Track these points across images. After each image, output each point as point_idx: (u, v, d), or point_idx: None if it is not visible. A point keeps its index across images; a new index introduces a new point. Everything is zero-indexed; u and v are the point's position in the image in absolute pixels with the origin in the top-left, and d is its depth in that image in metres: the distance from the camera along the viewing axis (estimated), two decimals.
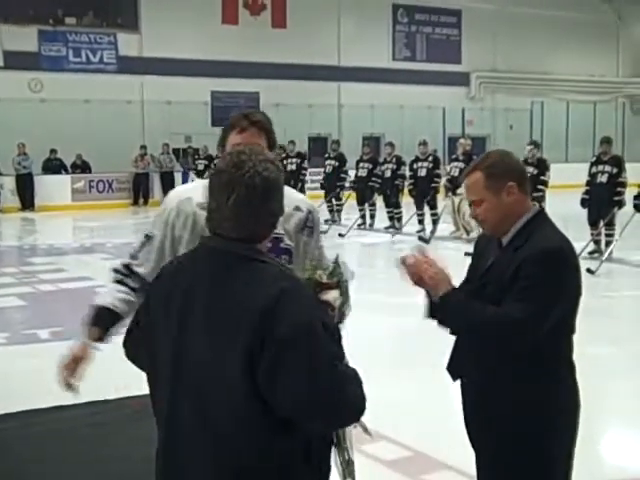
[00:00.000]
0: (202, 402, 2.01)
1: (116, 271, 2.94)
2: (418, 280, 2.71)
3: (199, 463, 2.03)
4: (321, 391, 1.95)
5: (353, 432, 2.32)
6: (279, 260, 2.53)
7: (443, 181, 15.44)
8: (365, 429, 2.38)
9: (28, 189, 22.19)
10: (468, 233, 14.45)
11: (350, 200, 18.06)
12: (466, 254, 3.09)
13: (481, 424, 2.82)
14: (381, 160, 17.37)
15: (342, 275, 2.37)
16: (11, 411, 5.38)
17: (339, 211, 18.26)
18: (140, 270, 2.89)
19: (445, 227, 15.12)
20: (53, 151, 23.28)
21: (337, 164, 17.99)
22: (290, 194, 2.75)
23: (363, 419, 2.18)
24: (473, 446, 2.91)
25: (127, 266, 2.94)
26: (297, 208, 2.86)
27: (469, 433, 2.91)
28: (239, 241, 2.06)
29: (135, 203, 23.74)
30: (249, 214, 2.05)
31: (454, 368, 2.95)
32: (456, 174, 14.64)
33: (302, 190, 18.76)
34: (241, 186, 2.03)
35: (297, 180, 17.93)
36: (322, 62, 28.34)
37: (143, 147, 24.08)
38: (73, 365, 2.73)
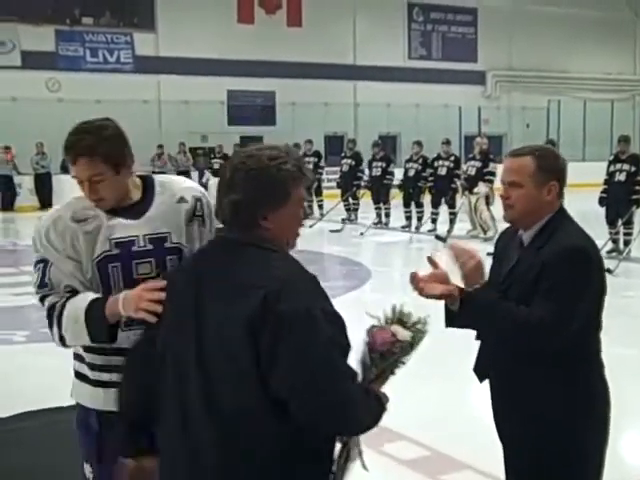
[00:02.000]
0: (208, 382, 2.05)
1: (49, 312, 2.62)
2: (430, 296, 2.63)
3: (205, 444, 2.06)
4: (315, 378, 1.98)
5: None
6: (176, 260, 2.55)
7: (460, 180, 15.39)
8: (362, 461, 2.30)
9: (46, 188, 22.29)
10: (485, 232, 14.43)
11: (366, 199, 18.05)
12: (488, 254, 3.06)
13: (512, 424, 2.82)
14: (407, 158, 17.23)
15: (421, 334, 2.29)
16: (31, 409, 5.41)
17: (355, 210, 18.27)
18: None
19: (462, 226, 15.09)
20: None
21: (353, 163, 17.97)
22: (173, 184, 2.71)
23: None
24: (504, 447, 2.90)
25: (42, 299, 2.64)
26: (181, 199, 2.68)
27: (500, 433, 2.91)
28: (241, 229, 2.14)
29: None
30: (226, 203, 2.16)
31: (481, 369, 2.94)
32: (473, 173, 14.62)
33: (319, 189, 18.83)
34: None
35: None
36: (338, 61, 28.41)
37: (160, 146, 24.16)
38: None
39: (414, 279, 2.64)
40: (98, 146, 2.49)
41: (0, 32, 24.18)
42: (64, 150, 2.51)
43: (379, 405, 2.16)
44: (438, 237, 14.36)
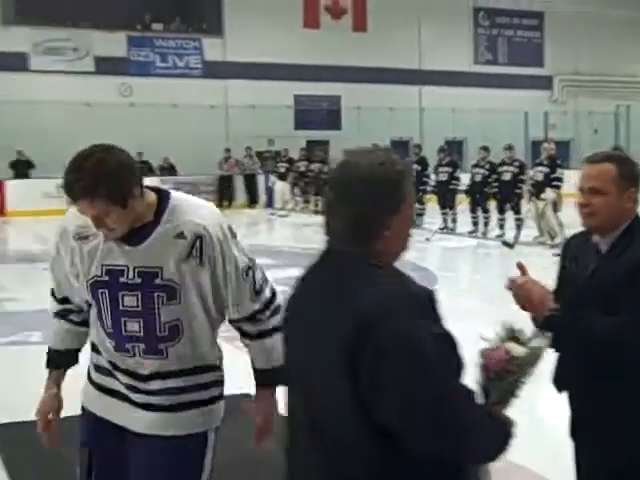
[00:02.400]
0: (311, 405, 1.98)
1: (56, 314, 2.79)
2: (527, 301, 2.61)
3: (312, 466, 1.99)
4: (429, 408, 1.82)
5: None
6: (165, 298, 2.42)
7: (527, 186, 15.35)
8: None
9: None
10: (552, 238, 14.38)
11: (431, 204, 18.11)
12: (554, 255, 3.12)
13: (593, 438, 2.77)
14: (473, 163, 17.23)
15: (537, 350, 2.14)
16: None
17: (421, 215, 18.34)
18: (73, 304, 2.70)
19: (529, 232, 15.07)
20: (140, 154, 23.92)
21: (419, 168, 18.03)
22: (182, 214, 2.43)
23: None
24: (581, 460, 2.86)
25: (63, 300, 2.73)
26: (180, 235, 2.40)
27: (578, 445, 2.87)
28: (358, 243, 1.95)
29: (219, 205, 24.18)
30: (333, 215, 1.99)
31: (560, 380, 2.90)
32: (540, 179, 14.56)
33: None
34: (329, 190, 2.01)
35: None
36: (403, 65, 28.45)
37: (227, 150, 24.52)
38: (50, 422, 2.70)
39: (513, 283, 2.61)
40: (98, 187, 2.24)
41: (74, 39, 24.88)
42: (63, 187, 2.29)
43: (504, 431, 1.98)
44: (505, 243, 14.36)
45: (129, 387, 2.54)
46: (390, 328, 1.81)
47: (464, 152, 28.07)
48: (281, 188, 23.33)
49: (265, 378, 2.66)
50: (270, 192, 24.08)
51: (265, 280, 2.61)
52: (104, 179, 2.24)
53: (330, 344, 1.88)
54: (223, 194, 24.34)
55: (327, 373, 1.90)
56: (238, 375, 6.13)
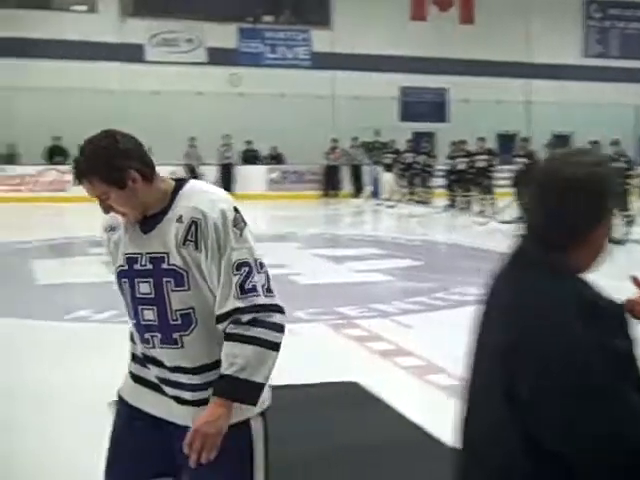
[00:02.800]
0: (472, 414, 1.92)
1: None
2: None
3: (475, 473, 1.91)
4: (602, 427, 1.67)
5: None
6: (172, 283, 2.39)
7: (635, 181, 15.10)
8: None
9: (229, 178, 23.52)
10: None
11: None
12: None
13: None
14: None
15: None
16: None
17: None
18: None
19: None
20: (249, 142, 24.59)
21: (527, 162, 17.97)
22: (189, 198, 2.42)
23: None
24: None
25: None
26: (179, 219, 2.39)
27: None
28: (541, 247, 1.82)
29: (325, 195, 24.59)
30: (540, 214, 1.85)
31: None
32: None
33: (489, 187, 18.91)
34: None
35: (485, 177, 18.11)
36: (511, 58, 28.18)
37: (334, 140, 24.86)
38: None
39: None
40: (92, 170, 2.35)
41: (187, 30, 25.66)
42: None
43: None
44: (614, 240, 14.15)
45: (160, 378, 2.51)
46: (556, 342, 1.69)
47: (571, 147, 27.57)
48: (387, 179, 23.53)
49: (219, 385, 2.37)
50: (376, 183, 24.31)
51: (267, 288, 2.40)
52: (98, 161, 2.34)
53: (492, 351, 1.80)
54: (329, 184, 24.69)
55: (485, 381, 1.83)
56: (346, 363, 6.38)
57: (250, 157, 24.74)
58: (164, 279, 2.39)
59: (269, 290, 2.40)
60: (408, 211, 20.12)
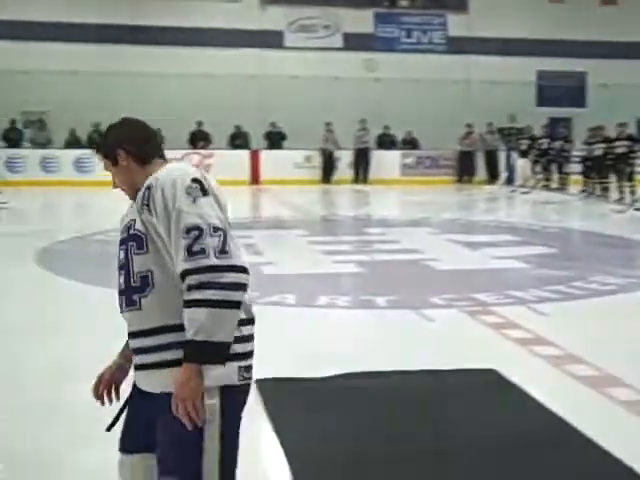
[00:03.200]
0: None
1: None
2: None
3: None
4: None
5: None
6: (135, 247, 2.55)
7: None
8: None
9: (364, 163, 23.75)
10: None
11: None
12: None
13: None
14: None
15: None
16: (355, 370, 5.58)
17: None
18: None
19: None
20: (386, 127, 24.74)
21: None
22: (154, 173, 2.60)
23: None
24: None
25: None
26: (140, 189, 2.60)
27: None
28: None
29: (459, 180, 24.51)
30: None
31: None
32: None
33: (629, 174, 18.45)
34: None
35: (626, 164, 17.68)
36: None
37: (469, 125, 24.72)
38: None
39: None
40: (100, 147, 2.77)
41: (324, 17, 26.02)
42: None
43: None
44: None
45: (132, 349, 2.65)
46: None
47: None
48: (522, 165, 23.26)
49: (184, 350, 2.43)
50: (511, 169, 24.06)
51: (220, 250, 2.42)
52: (104, 141, 2.76)
53: None
54: (463, 169, 24.60)
55: None
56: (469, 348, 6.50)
57: (386, 142, 24.88)
58: (129, 243, 2.56)
59: (222, 252, 2.41)
60: (543, 198, 19.88)
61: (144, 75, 23.45)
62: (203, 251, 2.40)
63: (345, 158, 23.87)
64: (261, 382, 5.02)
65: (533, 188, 21.67)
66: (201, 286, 2.38)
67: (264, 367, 5.39)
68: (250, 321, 2.59)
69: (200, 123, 23.47)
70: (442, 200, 20.15)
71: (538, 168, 22.45)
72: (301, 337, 6.59)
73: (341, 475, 3.92)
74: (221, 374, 2.45)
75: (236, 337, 2.47)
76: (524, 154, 23.07)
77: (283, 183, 22.18)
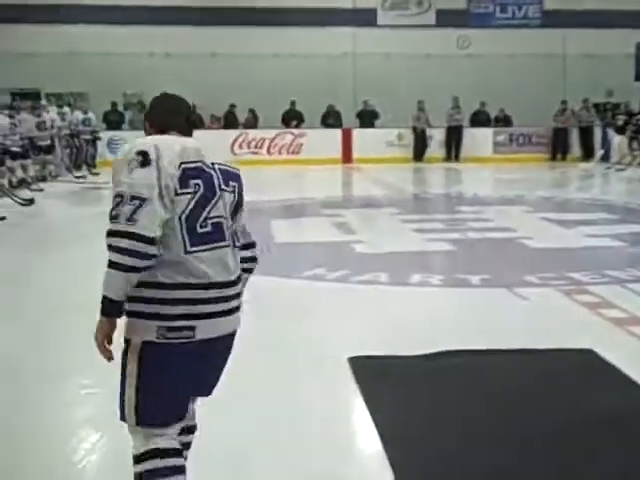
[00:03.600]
0: None
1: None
2: None
3: None
4: None
5: None
6: None
7: None
8: None
9: (456, 140, 23.61)
10: None
11: None
12: None
13: None
14: None
15: None
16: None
17: None
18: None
19: None
20: (483, 104, 24.49)
21: None
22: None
23: None
24: None
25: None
26: None
27: None
28: None
29: (553, 158, 24.12)
30: None
31: None
32: None
33: None
34: None
35: None
36: None
37: (564, 102, 24.25)
38: None
39: None
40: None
41: None
42: None
43: None
44: None
45: None
46: None
47: None
48: (619, 142, 22.75)
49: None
50: (607, 146, 23.56)
51: (128, 217, 2.66)
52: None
53: None
54: (557, 146, 24.18)
55: None
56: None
57: (482, 120, 24.60)
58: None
59: (130, 220, 2.64)
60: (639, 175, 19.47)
61: (240, 56, 23.73)
62: (117, 217, 2.68)
63: (437, 136, 23.76)
64: (354, 360, 5.20)
65: (629, 165, 21.18)
66: (109, 247, 2.68)
67: (357, 345, 5.67)
68: (184, 286, 2.76)
69: (293, 102, 23.66)
70: (536, 178, 19.90)
71: (635, 145, 21.90)
72: (395, 315, 6.67)
73: (437, 454, 3.91)
74: (139, 329, 2.78)
75: (161, 299, 2.74)
76: (621, 130, 22.54)
77: (375, 162, 22.19)
